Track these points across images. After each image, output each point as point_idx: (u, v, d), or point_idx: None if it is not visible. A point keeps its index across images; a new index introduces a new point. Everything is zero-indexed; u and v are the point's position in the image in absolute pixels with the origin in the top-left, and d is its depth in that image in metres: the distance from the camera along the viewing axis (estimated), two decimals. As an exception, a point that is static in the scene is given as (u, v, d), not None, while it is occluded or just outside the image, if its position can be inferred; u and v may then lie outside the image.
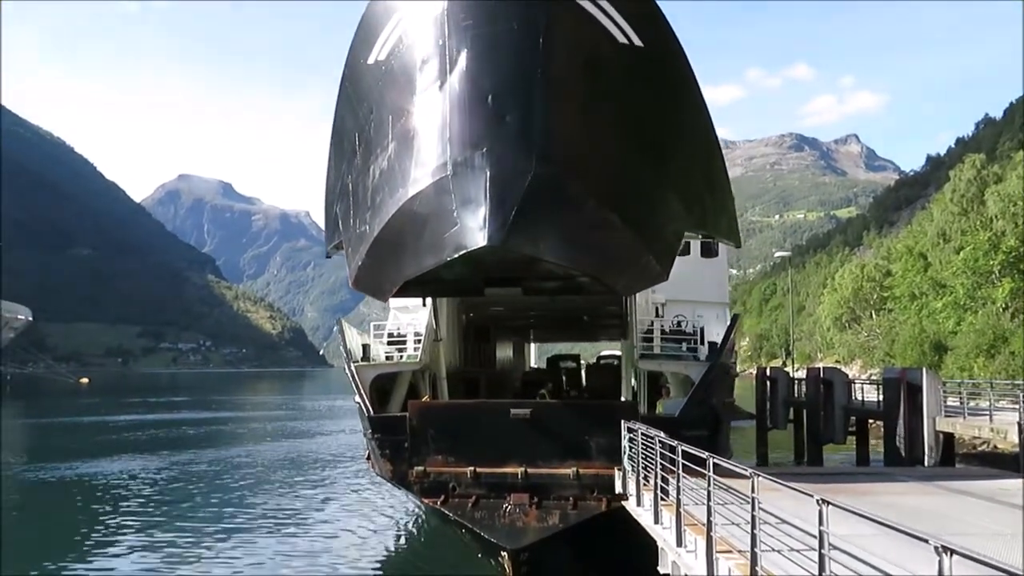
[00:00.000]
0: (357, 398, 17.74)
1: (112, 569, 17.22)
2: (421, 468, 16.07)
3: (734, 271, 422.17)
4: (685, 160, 13.68)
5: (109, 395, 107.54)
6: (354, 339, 19.10)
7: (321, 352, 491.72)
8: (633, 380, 19.39)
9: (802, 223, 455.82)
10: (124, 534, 20.44)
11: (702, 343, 18.14)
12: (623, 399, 18.54)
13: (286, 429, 52.29)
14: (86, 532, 20.81)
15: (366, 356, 18.93)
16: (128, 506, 24.31)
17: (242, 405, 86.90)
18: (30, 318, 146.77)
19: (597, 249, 12.08)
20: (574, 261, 12.07)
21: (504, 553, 14.34)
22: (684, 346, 18.05)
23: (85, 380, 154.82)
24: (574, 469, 15.36)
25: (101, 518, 22.55)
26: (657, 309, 23.49)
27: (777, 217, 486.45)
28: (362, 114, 13.05)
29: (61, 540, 20.07)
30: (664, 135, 13.20)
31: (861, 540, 6.61)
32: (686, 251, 25.10)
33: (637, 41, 12.02)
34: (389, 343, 19.70)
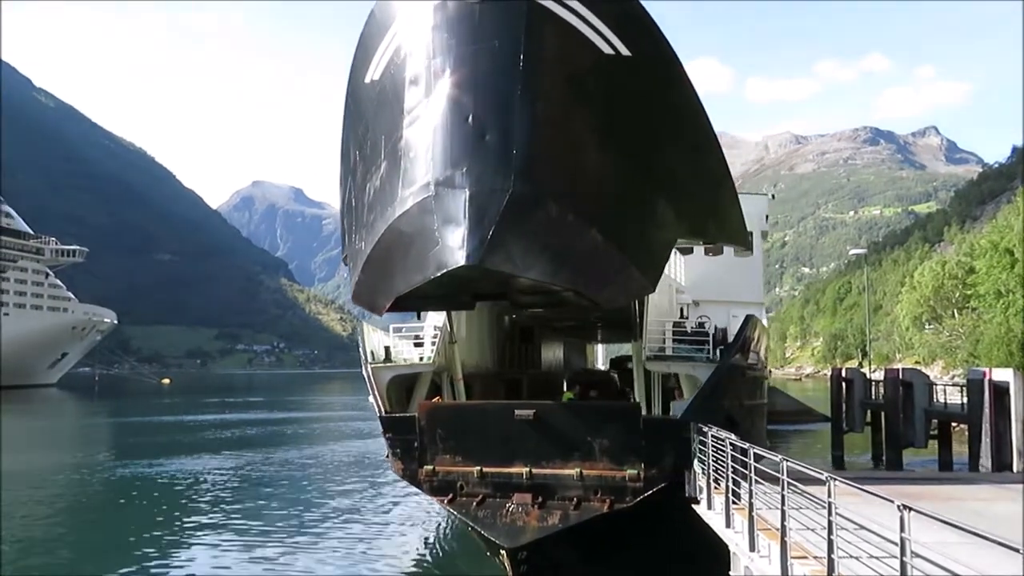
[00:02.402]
0: (371, 398, 18.08)
1: (180, 564, 17.94)
2: (430, 467, 16.33)
3: (806, 269, 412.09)
4: (676, 168, 13.60)
5: (189, 395, 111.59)
6: (377, 341, 19.36)
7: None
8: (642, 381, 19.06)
9: (878, 219, 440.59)
10: (195, 530, 21.18)
11: (723, 344, 17.75)
12: (635, 400, 18.28)
13: (352, 429, 53.24)
14: (163, 527, 21.61)
15: (388, 357, 19.19)
16: (201, 503, 25.15)
17: (313, 405, 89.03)
18: (115, 321, 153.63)
19: (577, 265, 12.07)
20: (553, 277, 12.06)
21: (503, 551, 14.44)
22: (705, 347, 17.60)
23: (167, 380, 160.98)
24: (578, 470, 15.34)
25: (177, 514, 23.39)
26: (682, 310, 23.05)
27: (852, 213, 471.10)
28: (360, 132, 13.41)
29: (140, 533, 20.86)
30: (653, 144, 13.13)
31: (945, 548, 6.37)
32: (719, 251, 24.59)
33: (624, 50, 12.03)
34: (415, 345, 19.94)
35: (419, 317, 18.95)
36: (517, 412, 15.83)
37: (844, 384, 35.41)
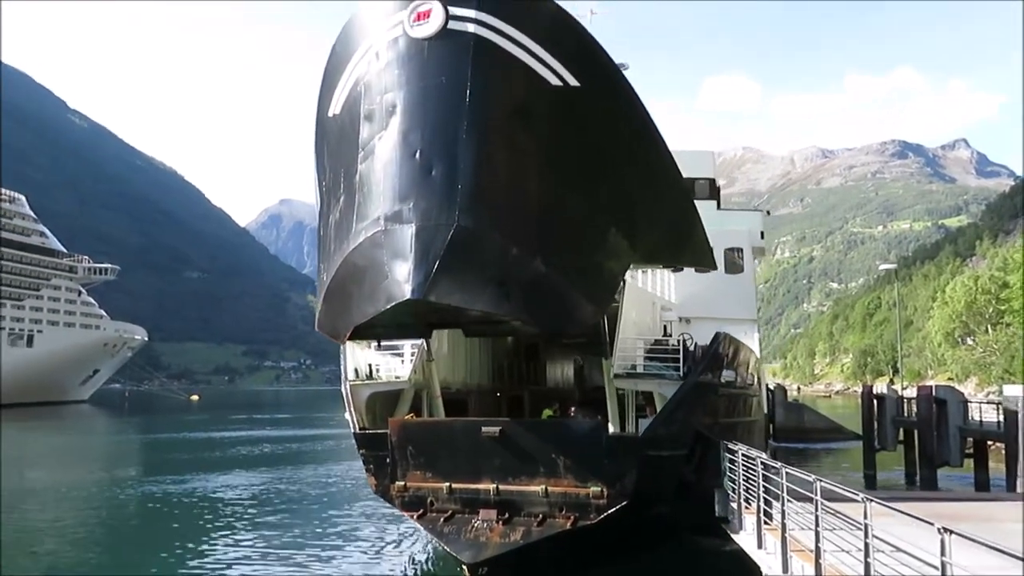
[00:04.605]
0: (346, 415, 18.37)
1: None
2: (402, 483, 16.59)
3: (834, 284, 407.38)
4: (629, 195, 13.80)
5: (218, 411, 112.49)
6: (362, 358, 19.54)
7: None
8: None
9: (908, 233, 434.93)
10: (217, 545, 21.28)
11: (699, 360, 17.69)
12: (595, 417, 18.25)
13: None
14: (186, 544, 21.71)
15: (371, 374, 19.38)
16: (225, 519, 25.21)
17: (338, 422, 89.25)
18: (146, 338, 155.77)
19: (521, 296, 12.30)
20: (497, 308, 12.31)
21: (465, 566, 14.66)
22: (677, 365, 17.53)
23: (196, 397, 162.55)
24: (543, 487, 15.44)
25: (200, 531, 23.48)
26: (665, 328, 23.02)
27: (880, 228, 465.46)
28: (325, 165, 13.83)
29: (165, 549, 21.01)
30: (603, 172, 13.34)
31: (985, 571, 6.23)
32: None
33: (573, 81, 12.33)
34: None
35: (379, 345, 19.18)
36: (484, 429, 15.98)
37: (875, 401, 34.91)
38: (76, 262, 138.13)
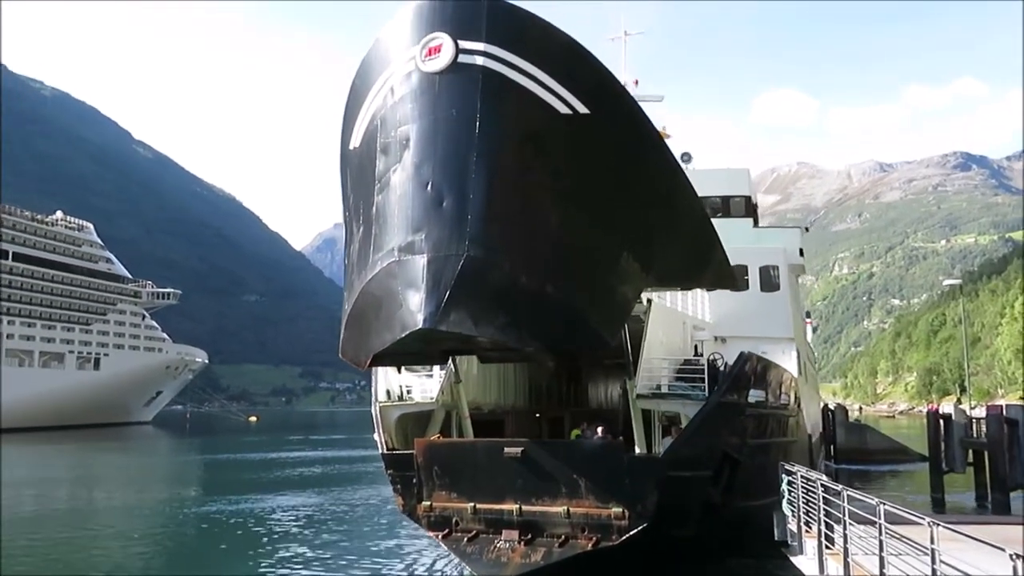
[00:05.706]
0: (375, 436, 18.63)
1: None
2: (428, 503, 16.82)
3: (896, 301, 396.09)
4: (641, 220, 13.78)
5: (275, 432, 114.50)
6: (395, 380, 19.80)
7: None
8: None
9: (973, 247, 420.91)
10: (274, 567, 21.48)
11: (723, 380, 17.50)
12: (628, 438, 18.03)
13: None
14: (244, 564, 22.04)
15: (403, 396, 19.60)
16: (282, 541, 25.46)
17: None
18: (206, 360, 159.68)
19: (532, 323, 12.44)
20: (507, 336, 12.41)
21: None
22: (702, 385, 17.34)
23: (254, 418, 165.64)
24: (565, 507, 15.42)
25: (258, 553, 23.78)
26: (696, 347, 22.67)
27: (943, 242, 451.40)
28: (348, 197, 14.24)
29: (222, 570, 21.36)
30: (615, 198, 13.36)
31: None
32: (744, 286, 24.14)
33: (583, 109, 12.46)
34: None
35: (399, 370, 19.28)
36: (506, 449, 16.09)
37: (942, 422, 33.75)
38: (140, 287, 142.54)
